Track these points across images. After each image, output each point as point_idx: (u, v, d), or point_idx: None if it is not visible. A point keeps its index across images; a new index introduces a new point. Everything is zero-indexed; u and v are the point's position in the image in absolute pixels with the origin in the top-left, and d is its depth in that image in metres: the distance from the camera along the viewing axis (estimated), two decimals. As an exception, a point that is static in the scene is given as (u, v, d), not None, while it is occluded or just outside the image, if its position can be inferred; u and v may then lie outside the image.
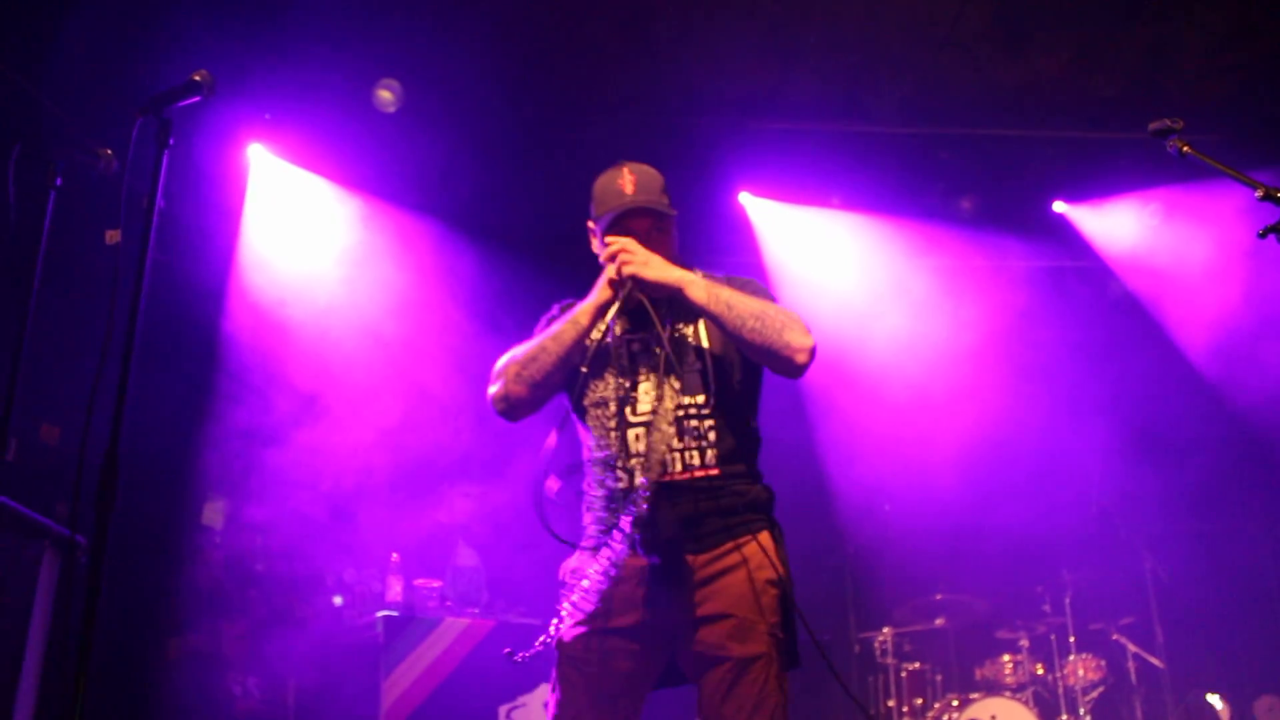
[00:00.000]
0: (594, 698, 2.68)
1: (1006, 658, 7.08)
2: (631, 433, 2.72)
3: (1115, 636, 7.10)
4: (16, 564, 3.21)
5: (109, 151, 2.52)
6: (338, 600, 5.37)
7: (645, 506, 2.60)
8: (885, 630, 7.15)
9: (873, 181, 7.39)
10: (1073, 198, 7.69)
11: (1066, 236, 7.76)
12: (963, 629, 7.38)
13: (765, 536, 2.76)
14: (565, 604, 2.70)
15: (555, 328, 2.76)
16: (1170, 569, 7.19)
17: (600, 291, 2.75)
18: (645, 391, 2.76)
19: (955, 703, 6.72)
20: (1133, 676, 6.98)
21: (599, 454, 2.73)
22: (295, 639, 5.55)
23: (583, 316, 2.74)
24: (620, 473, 2.69)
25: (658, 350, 2.76)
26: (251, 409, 5.89)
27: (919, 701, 6.99)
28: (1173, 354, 7.64)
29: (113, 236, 2.20)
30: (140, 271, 2.24)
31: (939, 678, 7.16)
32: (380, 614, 4.80)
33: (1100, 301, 8.06)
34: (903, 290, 7.63)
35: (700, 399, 2.74)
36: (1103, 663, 6.93)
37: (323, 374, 5.98)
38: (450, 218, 6.68)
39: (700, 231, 7.66)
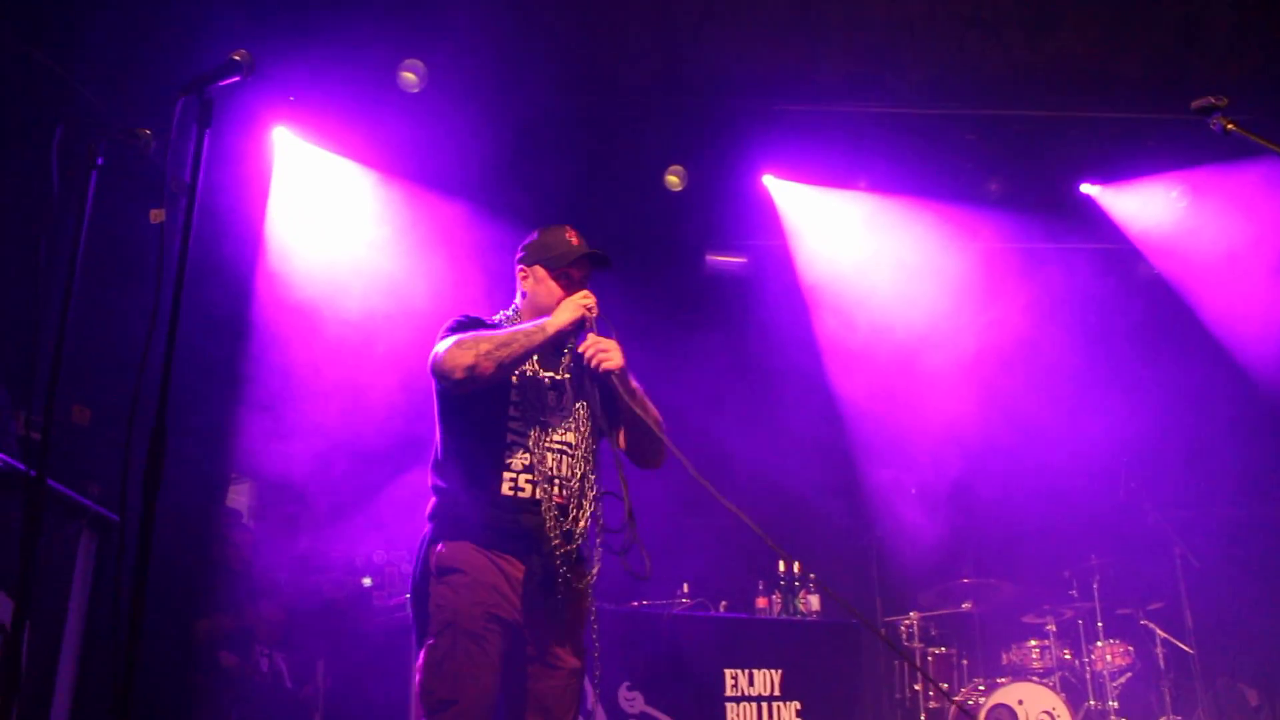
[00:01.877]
0: (492, 676, 3.00)
1: (1033, 642, 7.05)
2: (550, 454, 3.16)
3: (1144, 622, 7.04)
4: (55, 543, 3.23)
5: (148, 131, 2.52)
6: (367, 581, 5.38)
7: (551, 522, 3.08)
8: (911, 615, 7.12)
9: (899, 163, 7.34)
10: (1101, 179, 7.61)
11: (1095, 218, 7.69)
12: (989, 613, 7.34)
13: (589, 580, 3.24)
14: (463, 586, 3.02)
15: (524, 328, 3.11)
16: (1200, 554, 7.13)
17: (567, 315, 3.13)
18: (558, 423, 3.22)
19: (981, 687, 6.70)
20: (1161, 662, 6.93)
21: (518, 462, 3.12)
22: (325, 620, 5.57)
23: (549, 330, 3.10)
24: (538, 485, 3.11)
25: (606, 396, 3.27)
26: (277, 390, 5.91)
27: (945, 686, 6.98)
28: (1205, 338, 7.57)
29: (157, 215, 2.21)
30: (183, 252, 2.25)
31: (965, 662, 7.13)
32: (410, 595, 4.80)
33: (1130, 284, 8.00)
34: (929, 273, 7.58)
35: (589, 446, 3.26)
36: (1131, 649, 6.88)
37: (350, 355, 5.99)
38: (475, 198, 6.68)
39: (723, 215, 7.64)
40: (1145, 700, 7.01)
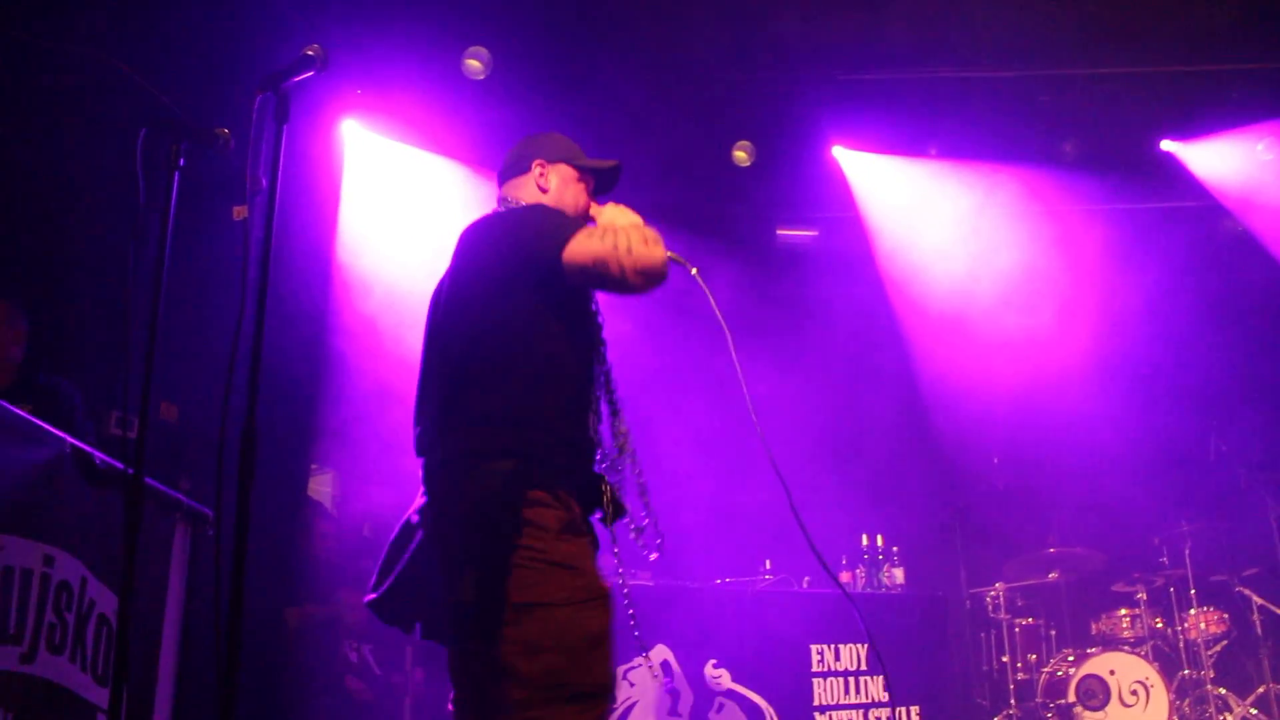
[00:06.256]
0: None
1: (1123, 611, 6.92)
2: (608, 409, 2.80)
3: (1239, 588, 6.87)
4: (152, 537, 3.31)
5: (226, 131, 2.56)
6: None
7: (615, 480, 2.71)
8: (997, 585, 7.03)
9: (970, 128, 7.20)
10: (1182, 135, 7.39)
11: (1175, 176, 7.47)
12: (1077, 583, 7.23)
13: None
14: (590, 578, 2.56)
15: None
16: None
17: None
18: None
19: (1071, 657, 6.61)
20: (1259, 629, 6.76)
21: (595, 418, 2.72)
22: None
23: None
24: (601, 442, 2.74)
25: None
26: (357, 382, 5.98)
27: (1033, 657, 6.88)
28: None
29: (240, 212, 2.24)
30: (266, 248, 2.28)
31: (1053, 632, 7.03)
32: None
33: (1213, 242, 7.78)
34: (1004, 238, 7.45)
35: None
36: (1225, 616, 6.72)
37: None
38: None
39: (792, 188, 7.57)
40: (1243, 668, 6.84)
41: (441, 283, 2.86)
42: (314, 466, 6.77)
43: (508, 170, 3.00)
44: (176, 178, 2.42)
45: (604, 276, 2.49)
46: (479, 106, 6.42)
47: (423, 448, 2.66)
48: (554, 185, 2.94)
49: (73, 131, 4.82)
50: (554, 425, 2.59)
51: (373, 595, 2.72)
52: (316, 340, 6.08)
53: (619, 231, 2.50)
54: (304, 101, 6.05)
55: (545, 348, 2.61)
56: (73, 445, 2.85)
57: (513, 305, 2.59)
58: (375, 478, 6.18)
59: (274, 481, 5.69)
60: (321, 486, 6.99)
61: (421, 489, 2.65)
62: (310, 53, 2.45)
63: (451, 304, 2.71)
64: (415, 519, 2.69)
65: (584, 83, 6.51)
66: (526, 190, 2.94)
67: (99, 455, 2.95)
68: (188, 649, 3.48)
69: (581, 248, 2.49)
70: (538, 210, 2.75)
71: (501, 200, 2.99)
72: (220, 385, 2.32)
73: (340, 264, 6.21)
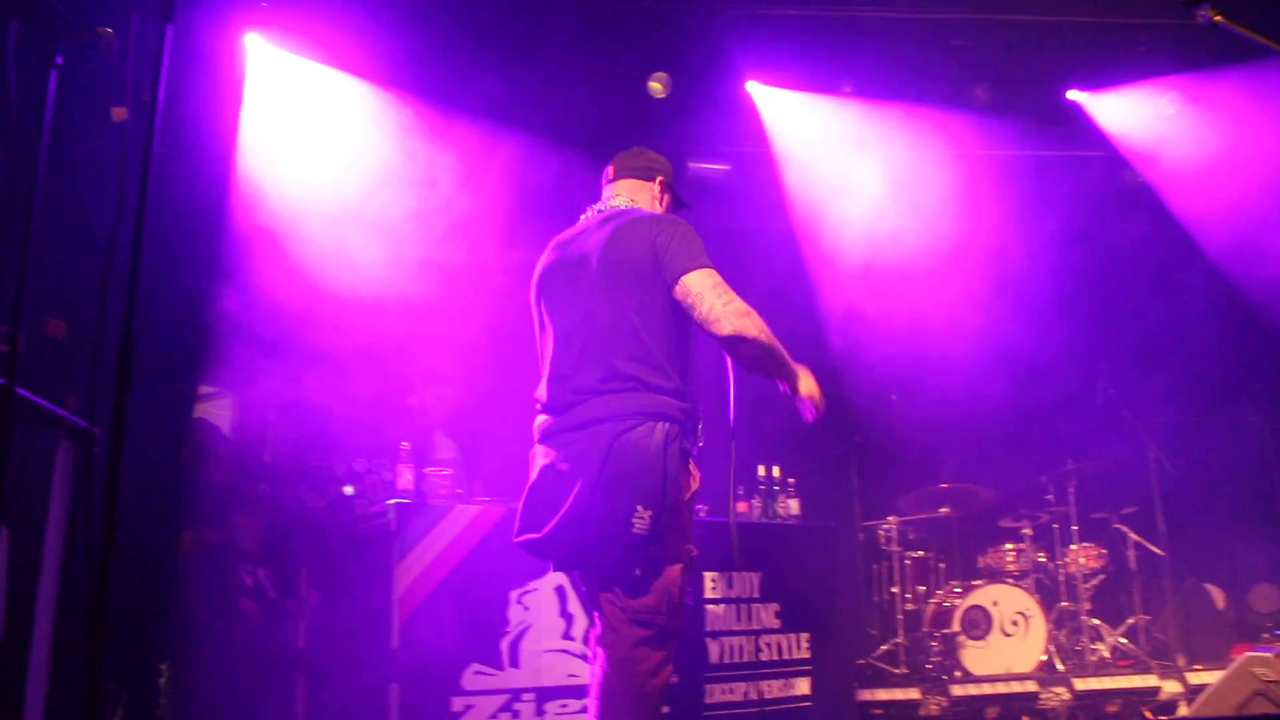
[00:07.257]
0: None
1: (1009, 546, 7.19)
2: None
3: (1117, 525, 7.20)
4: (33, 455, 3.21)
5: (109, 30, 2.44)
6: (349, 490, 5.39)
7: None
8: (890, 519, 7.23)
9: (885, 69, 7.22)
10: (1088, 85, 7.51)
11: (1080, 125, 7.61)
12: (967, 518, 7.47)
13: None
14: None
15: (786, 354, 3.37)
16: (1173, 458, 7.24)
17: (812, 392, 3.54)
18: None
19: (958, 589, 6.84)
20: (1133, 564, 7.10)
21: None
22: (307, 529, 5.60)
23: (794, 377, 3.48)
24: None
25: None
26: (252, 304, 5.84)
27: (922, 589, 7.12)
28: (1185, 244, 7.56)
29: (119, 113, 2.15)
30: (146, 157, 2.19)
31: (942, 565, 7.27)
32: (392, 502, 4.81)
33: (1112, 190, 7.96)
34: (911, 179, 7.52)
35: None
36: (1104, 551, 7.04)
37: (324, 268, 5.92)
38: (453, 102, 6.56)
39: (706, 121, 7.53)
40: (1116, 601, 7.18)
41: (572, 255, 3.29)
42: (209, 390, 6.63)
43: (632, 170, 3.51)
44: (54, 77, 2.31)
45: (693, 305, 3.06)
46: (389, 26, 6.23)
47: (577, 403, 3.12)
48: (664, 204, 3.53)
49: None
50: (692, 398, 3.23)
51: (533, 535, 3.14)
52: (209, 260, 5.90)
53: (735, 298, 3.08)
54: (205, 11, 5.81)
55: (686, 328, 3.19)
56: (-57, 356, 2.73)
57: (668, 293, 3.12)
58: (277, 401, 6.08)
59: (166, 402, 5.56)
60: (219, 410, 6.86)
61: (552, 436, 3.17)
62: (199, -49, 2.35)
63: (620, 281, 3.15)
64: (564, 467, 3.10)
65: (499, 9, 6.36)
66: (644, 197, 3.47)
67: (-28, 367, 2.83)
68: (69, 571, 3.39)
69: (701, 280, 3.07)
70: (688, 230, 3.20)
71: (614, 194, 3.46)
72: (109, 300, 2.23)
73: (240, 183, 6.02)
